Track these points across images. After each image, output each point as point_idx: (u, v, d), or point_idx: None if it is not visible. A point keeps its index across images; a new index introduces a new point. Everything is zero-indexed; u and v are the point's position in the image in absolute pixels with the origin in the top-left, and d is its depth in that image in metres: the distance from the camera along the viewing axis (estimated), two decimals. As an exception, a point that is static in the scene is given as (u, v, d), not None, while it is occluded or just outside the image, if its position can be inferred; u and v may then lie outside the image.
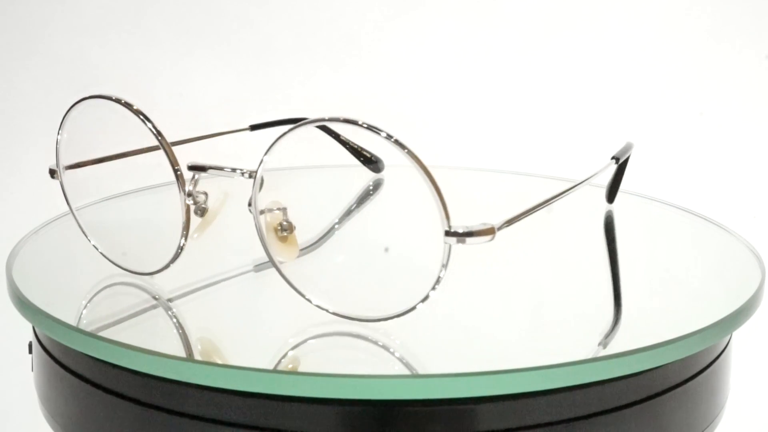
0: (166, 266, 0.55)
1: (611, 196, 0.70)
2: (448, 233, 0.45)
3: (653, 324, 0.52)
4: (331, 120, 0.48)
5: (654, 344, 0.48)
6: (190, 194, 0.54)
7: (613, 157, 0.60)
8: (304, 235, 0.59)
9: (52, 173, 0.59)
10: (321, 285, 0.53)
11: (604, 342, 0.50)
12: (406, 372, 0.45)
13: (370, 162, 0.77)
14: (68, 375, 0.51)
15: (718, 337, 0.50)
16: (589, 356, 0.47)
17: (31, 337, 0.56)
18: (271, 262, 0.51)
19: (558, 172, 0.80)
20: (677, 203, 0.71)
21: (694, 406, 0.51)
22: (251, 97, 1.06)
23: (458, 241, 0.45)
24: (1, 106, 1.08)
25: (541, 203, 0.53)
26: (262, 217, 0.50)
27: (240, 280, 0.61)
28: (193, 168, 0.54)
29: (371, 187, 0.75)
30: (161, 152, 0.55)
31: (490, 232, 0.45)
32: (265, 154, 0.51)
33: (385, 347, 0.50)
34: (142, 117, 0.54)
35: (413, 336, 0.51)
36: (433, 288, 0.47)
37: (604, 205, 0.71)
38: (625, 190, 0.72)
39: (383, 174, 0.77)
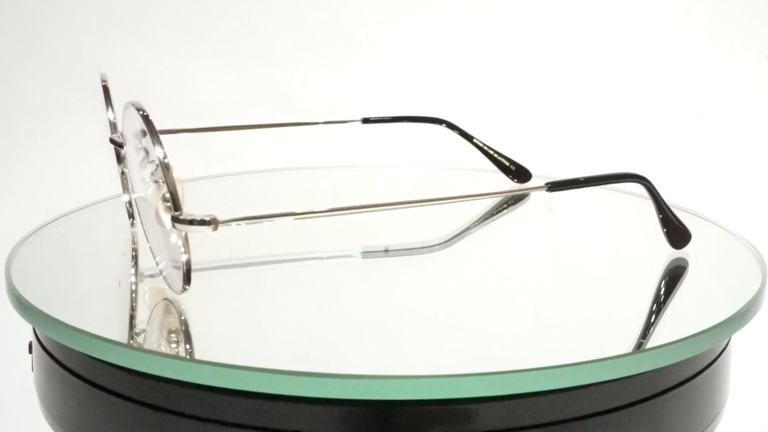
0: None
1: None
2: (174, 219, 0.49)
3: (653, 325, 0.52)
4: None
5: (654, 345, 0.48)
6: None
7: (546, 183, 0.57)
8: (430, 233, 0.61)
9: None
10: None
11: (605, 342, 0.50)
12: (406, 372, 0.45)
13: (507, 170, 0.74)
14: (68, 375, 0.51)
15: (718, 340, 0.50)
16: (590, 357, 0.47)
17: (31, 337, 0.56)
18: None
19: (557, 172, 0.80)
20: (677, 203, 0.71)
21: (694, 407, 0.51)
22: (251, 97, 1.06)
23: (185, 228, 0.48)
24: (1, 106, 1.08)
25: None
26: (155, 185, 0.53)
27: (239, 279, 0.61)
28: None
29: (510, 200, 0.72)
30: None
31: (212, 223, 0.48)
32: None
33: (385, 347, 0.50)
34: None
35: (413, 336, 0.51)
36: (185, 275, 0.50)
37: (606, 207, 0.71)
38: (626, 190, 0.72)
39: (528, 184, 0.74)
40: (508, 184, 0.73)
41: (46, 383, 0.54)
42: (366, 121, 0.75)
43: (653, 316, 0.53)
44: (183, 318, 0.53)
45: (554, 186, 0.58)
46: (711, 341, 0.50)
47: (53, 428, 0.54)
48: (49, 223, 0.65)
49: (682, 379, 0.50)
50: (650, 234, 0.68)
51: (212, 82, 1.06)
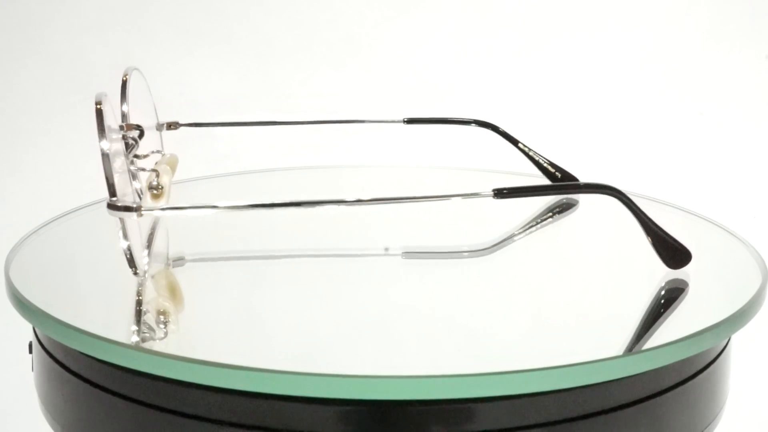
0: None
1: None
2: (108, 205, 0.52)
3: (653, 325, 0.52)
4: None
5: (654, 346, 0.48)
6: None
7: (493, 190, 0.56)
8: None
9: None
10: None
11: (605, 343, 0.51)
12: (406, 372, 0.45)
13: (551, 176, 0.72)
14: (68, 375, 0.51)
15: (718, 340, 0.50)
16: (590, 357, 0.47)
17: (31, 337, 0.56)
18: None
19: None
20: (677, 203, 0.71)
21: (693, 406, 0.51)
22: (251, 97, 1.06)
23: (115, 213, 0.52)
24: (1, 106, 1.08)
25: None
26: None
27: (239, 279, 0.61)
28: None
29: (558, 207, 0.71)
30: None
31: (136, 209, 0.52)
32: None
33: (385, 347, 0.50)
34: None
35: (414, 336, 0.51)
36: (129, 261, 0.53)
37: (609, 209, 0.71)
38: (626, 190, 0.72)
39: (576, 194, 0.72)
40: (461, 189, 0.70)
41: (46, 383, 0.54)
42: (409, 121, 0.74)
43: (653, 317, 0.53)
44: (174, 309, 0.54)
45: (502, 193, 0.55)
46: (711, 341, 0.50)
47: (53, 428, 0.54)
48: (49, 223, 0.65)
49: (682, 379, 0.50)
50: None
51: (212, 82, 1.06)
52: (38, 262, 0.60)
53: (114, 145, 0.54)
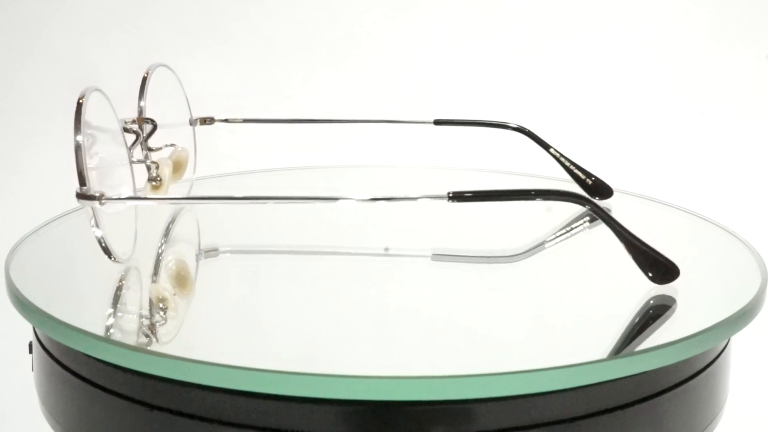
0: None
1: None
2: (76, 194, 0.55)
3: (653, 325, 0.52)
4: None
5: (654, 346, 0.48)
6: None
7: (448, 193, 0.56)
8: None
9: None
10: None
11: (605, 343, 0.50)
12: (406, 372, 0.45)
13: (583, 183, 0.70)
14: (68, 375, 0.51)
15: (718, 340, 0.50)
16: (589, 358, 0.47)
17: (31, 337, 0.56)
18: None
19: (557, 172, 0.80)
20: (677, 203, 0.71)
21: (693, 406, 0.51)
22: (251, 97, 1.06)
23: (83, 203, 0.55)
24: (1, 106, 1.08)
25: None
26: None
27: (238, 281, 0.61)
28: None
29: (588, 218, 0.68)
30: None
31: (98, 198, 0.55)
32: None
33: (385, 347, 0.50)
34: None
35: (414, 336, 0.51)
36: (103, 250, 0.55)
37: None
38: (625, 190, 0.72)
39: (608, 202, 0.70)
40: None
41: (46, 383, 0.54)
42: (438, 122, 0.73)
43: (653, 317, 0.53)
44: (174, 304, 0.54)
45: (459, 197, 0.53)
46: (710, 342, 0.50)
47: (53, 428, 0.54)
48: (49, 223, 0.65)
49: (682, 380, 0.50)
50: (650, 234, 0.68)
51: (212, 81, 1.06)
52: (38, 262, 0.60)
53: (101, 137, 0.56)
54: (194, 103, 0.74)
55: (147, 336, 0.52)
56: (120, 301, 0.56)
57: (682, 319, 0.53)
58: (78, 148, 0.54)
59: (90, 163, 0.54)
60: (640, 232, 0.56)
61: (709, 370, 0.52)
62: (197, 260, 0.63)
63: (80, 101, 0.55)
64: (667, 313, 0.54)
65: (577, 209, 0.68)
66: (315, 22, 1.06)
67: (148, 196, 0.62)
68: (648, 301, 0.54)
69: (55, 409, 0.53)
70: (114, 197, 0.55)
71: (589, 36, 1.04)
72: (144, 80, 0.66)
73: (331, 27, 1.06)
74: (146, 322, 0.54)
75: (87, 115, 0.54)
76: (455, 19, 1.05)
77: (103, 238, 0.55)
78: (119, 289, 0.57)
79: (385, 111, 0.83)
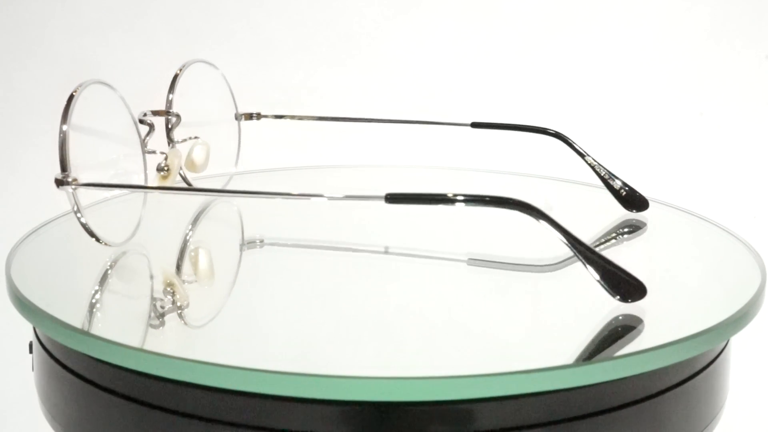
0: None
1: None
2: (55, 179, 0.58)
3: (653, 325, 0.52)
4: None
5: (653, 346, 0.48)
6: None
7: (386, 194, 0.53)
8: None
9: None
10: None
11: (605, 342, 0.50)
12: (406, 372, 0.45)
13: (616, 193, 0.69)
14: (68, 375, 0.51)
15: (718, 341, 0.50)
16: (589, 358, 0.47)
17: (32, 337, 0.56)
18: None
19: (557, 172, 0.80)
20: (677, 203, 0.71)
21: (693, 406, 0.51)
22: (251, 97, 1.06)
23: (63, 188, 0.58)
24: (1, 106, 1.08)
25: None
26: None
27: (238, 282, 0.61)
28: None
29: (627, 228, 0.67)
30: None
31: (70, 183, 0.58)
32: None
33: (385, 348, 0.50)
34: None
35: (414, 337, 0.51)
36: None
37: (607, 206, 0.71)
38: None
39: (643, 215, 0.69)
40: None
41: (46, 383, 0.54)
42: (475, 125, 0.73)
43: (653, 317, 0.53)
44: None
45: (394, 198, 0.52)
46: (710, 342, 0.50)
47: (53, 428, 0.54)
48: (49, 223, 0.65)
49: (681, 379, 0.50)
50: (650, 234, 0.68)
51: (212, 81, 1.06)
52: (38, 262, 0.60)
53: (104, 129, 0.59)
54: (195, 102, 0.74)
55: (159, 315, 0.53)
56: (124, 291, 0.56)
57: (681, 320, 0.53)
58: (61, 137, 0.58)
59: (91, 153, 0.55)
60: (641, 231, 0.57)
61: (708, 370, 0.52)
62: (240, 251, 0.65)
63: (73, 93, 0.59)
64: (667, 314, 0.54)
65: (614, 219, 0.68)
66: (315, 22, 1.06)
67: (123, 184, 0.62)
68: (648, 302, 0.54)
69: (55, 409, 0.53)
70: (85, 183, 0.58)
71: (589, 36, 1.04)
72: (176, 76, 0.70)
73: (330, 27, 1.06)
74: (158, 304, 0.55)
75: (89, 107, 0.55)
76: (455, 19, 1.05)
77: (83, 220, 0.58)
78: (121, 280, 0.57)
79: (385, 111, 0.83)
